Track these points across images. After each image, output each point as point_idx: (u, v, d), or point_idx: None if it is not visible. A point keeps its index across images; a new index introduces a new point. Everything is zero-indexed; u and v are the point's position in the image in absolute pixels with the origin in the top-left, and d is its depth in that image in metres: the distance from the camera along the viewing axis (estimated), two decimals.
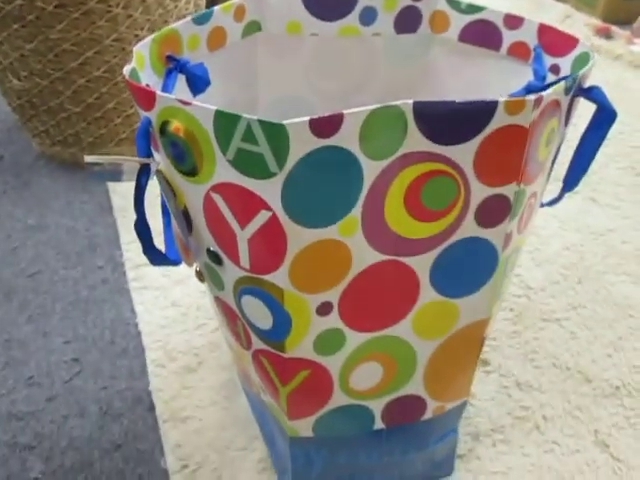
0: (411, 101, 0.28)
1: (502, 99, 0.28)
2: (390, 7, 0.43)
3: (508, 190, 0.32)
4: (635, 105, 1.00)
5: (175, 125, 0.29)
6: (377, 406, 0.39)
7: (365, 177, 0.29)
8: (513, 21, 0.42)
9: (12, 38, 0.70)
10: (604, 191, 0.82)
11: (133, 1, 0.70)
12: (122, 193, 0.78)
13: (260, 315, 0.33)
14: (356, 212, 0.29)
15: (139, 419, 0.52)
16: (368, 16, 0.43)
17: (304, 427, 0.39)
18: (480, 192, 0.31)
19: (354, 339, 0.35)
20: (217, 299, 0.37)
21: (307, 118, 0.25)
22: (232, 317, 0.36)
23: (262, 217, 0.29)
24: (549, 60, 0.41)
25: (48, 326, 0.60)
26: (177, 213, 0.33)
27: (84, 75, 0.73)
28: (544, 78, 0.40)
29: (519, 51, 0.43)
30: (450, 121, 0.28)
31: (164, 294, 0.63)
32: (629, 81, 1.07)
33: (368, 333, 0.35)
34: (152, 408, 0.53)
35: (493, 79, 0.45)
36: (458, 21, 0.43)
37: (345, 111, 0.26)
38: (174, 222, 0.37)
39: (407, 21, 0.44)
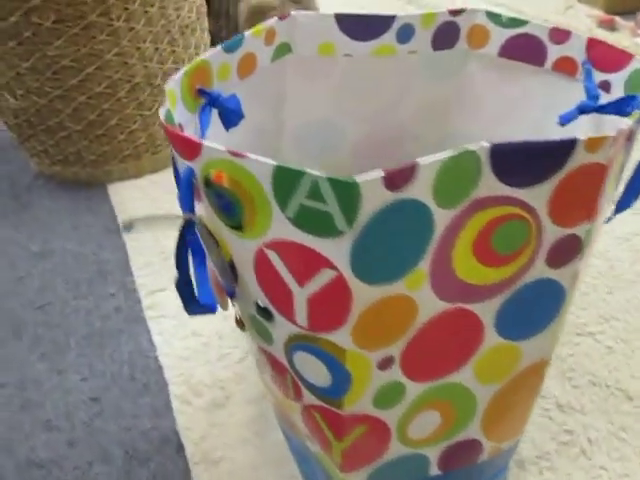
0: (488, 144, 0.25)
1: (583, 137, 0.26)
2: (428, 23, 0.40)
3: (580, 229, 0.30)
4: None
5: (218, 174, 0.26)
6: (434, 453, 0.37)
7: (436, 227, 0.26)
8: (559, 35, 0.39)
9: (8, 56, 0.66)
10: None
11: (135, 13, 0.66)
12: (131, 213, 0.75)
13: (316, 372, 0.31)
14: (424, 264, 0.27)
15: (168, 461, 0.49)
16: (405, 34, 0.40)
17: (356, 478, 0.37)
18: (553, 233, 0.29)
19: (414, 390, 0.32)
20: (262, 350, 0.34)
21: (380, 172, 0.23)
22: (279, 370, 0.34)
23: (325, 276, 0.26)
24: (598, 76, 0.39)
25: (63, 363, 0.57)
26: (220, 264, 0.30)
27: (84, 92, 0.70)
28: (597, 97, 0.37)
29: (565, 66, 0.40)
30: (527, 162, 0.26)
31: (183, 322, 0.61)
32: None
33: (428, 382, 0.33)
34: (181, 449, 0.50)
35: (535, 95, 0.43)
36: (498, 35, 0.41)
37: (419, 160, 0.24)
38: (210, 266, 0.34)
39: (445, 37, 0.41)
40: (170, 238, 0.71)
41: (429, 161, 0.24)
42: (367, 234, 0.24)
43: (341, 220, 0.24)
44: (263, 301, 0.30)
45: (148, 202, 0.77)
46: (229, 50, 0.34)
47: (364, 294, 0.26)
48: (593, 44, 0.38)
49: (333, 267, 0.25)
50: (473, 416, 0.36)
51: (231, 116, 0.33)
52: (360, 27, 0.39)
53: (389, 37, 0.40)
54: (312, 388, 0.32)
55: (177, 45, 0.73)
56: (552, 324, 0.33)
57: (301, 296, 0.28)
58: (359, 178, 0.22)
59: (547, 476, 0.48)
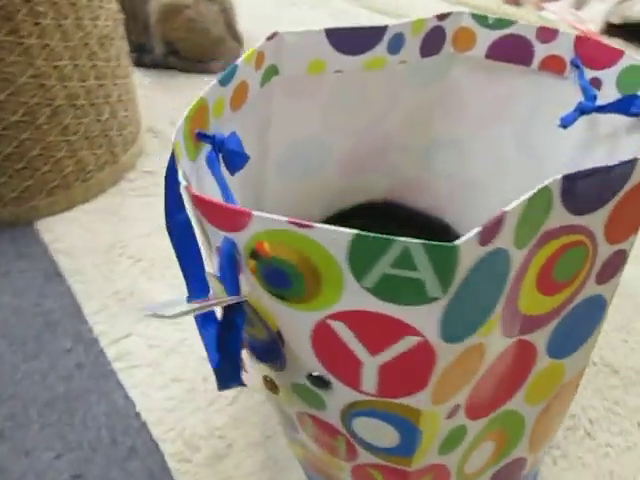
0: (560, 176, 0.23)
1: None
2: (418, 30, 0.38)
3: (628, 243, 0.29)
4: None
5: (260, 244, 0.22)
6: (485, 479, 0.36)
7: (512, 269, 0.24)
8: (547, 34, 0.38)
9: None
10: None
11: (48, 28, 0.58)
12: (69, 251, 0.67)
13: (381, 435, 0.28)
14: (500, 308, 0.25)
15: None
16: (396, 44, 0.37)
17: None
18: (606, 252, 0.28)
19: (474, 428, 0.31)
20: (304, 414, 0.31)
21: (477, 230, 0.20)
22: (329, 432, 0.30)
23: (405, 343, 0.23)
24: (588, 73, 0.38)
25: (28, 441, 0.50)
26: (267, 338, 0.26)
27: None
28: (594, 97, 0.37)
29: (553, 65, 0.39)
30: (596, 188, 0.25)
31: (159, 370, 0.55)
32: None
33: (487, 417, 0.31)
34: None
35: (522, 95, 0.42)
36: (485, 37, 0.39)
37: (506, 209, 0.21)
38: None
39: (432, 43, 0.39)
40: (124, 276, 0.64)
41: (513, 207, 0.22)
42: (459, 295, 0.22)
43: (435, 286, 0.21)
44: (319, 371, 0.26)
45: (85, 236, 0.69)
46: (223, 83, 0.30)
47: (448, 354, 0.24)
48: (582, 41, 0.38)
49: (418, 334, 0.23)
50: (522, 437, 0.35)
51: (236, 160, 0.29)
52: (351, 41, 0.36)
53: (380, 49, 0.37)
54: (374, 449, 0.29)
55: (97, 59, 0.65)
56: (594, 335, 0.33)
57: (372, 365, 0.25)
58: (460, 242, 0.20)
59: (561, 465, 0.49)
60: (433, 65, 0.41)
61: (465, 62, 0.41)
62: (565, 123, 0.37)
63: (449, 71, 0.42)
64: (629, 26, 1.05)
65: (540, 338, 0.30)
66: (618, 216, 0.27)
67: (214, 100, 0.29)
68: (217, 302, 0.22)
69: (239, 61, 0.30)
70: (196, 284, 0.32)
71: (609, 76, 0.37)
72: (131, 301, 0.62)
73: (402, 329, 0.23)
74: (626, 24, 1.05)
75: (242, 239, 0.22)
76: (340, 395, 0.27)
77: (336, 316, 0.23)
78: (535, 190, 0.23)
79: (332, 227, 0.20)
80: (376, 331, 0.23)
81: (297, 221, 0.21)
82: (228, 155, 0.29)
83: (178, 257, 0.31)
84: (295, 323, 0.25)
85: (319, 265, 0.22)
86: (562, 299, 0.29)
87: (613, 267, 0.30)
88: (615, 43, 1.04)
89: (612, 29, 1.07)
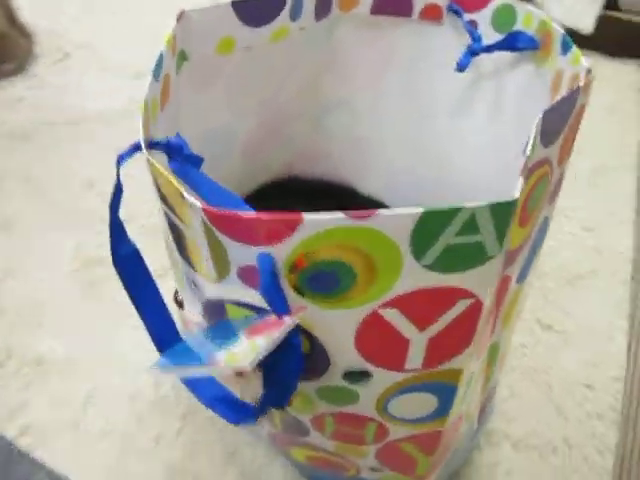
0: (540, 115, 0.24)
1: (582, 84, 0.27)
2: None
3: (568, 163, 0.32)
4: None
5: (300, 258, 0.19)
6: (476, 413, 0.38)
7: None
8: None
9: None
10: None
11: None
12: None
13: (418, 407, 0.28)
14: None
15: None
16: (297, 10, 0.35)
17: None
18: (557, 174, 0.31)
19: (477, 368, 0.32)
20: (323, 415, 0.29)
21: (519, 180, 0.20)
22: (359, 424, 0.29)
23: (457, 308, 0.23)
24: (465, 16, 0.40)
25: None
26: (309, 346, 0.23)
27: None
28: (480, 38, 0.39)
29: (431, 13, 0.41)
30: (558, 119, 0.26)
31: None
32: None
33: (483, 355, 0.33)
34: None
35: (404, 45, 0.43)
36: None
37: (526, 153, 0.22)
38: None
39: (323, 5, 0.37)
40: None
41: (529, 149, 0.22)
42: (506, 249, 0.22)
43: (494, 245, 0.21)
44: (360, 365, 0.25)
45: None
46: (155, 77, 0.25)
47: (489, 304, 0.24)
48: None
49: (471, 295, 0.22)
50: (497, 363, 0.37)
51: (195, 164, 0.25)
52: (258, 10, 0.32)
53: (284, 17, 0.34)
54: (407, 422, 0.29)
55: None
56: (539, 254, 0.36)
57: (420, 341, 0.24)
58: (515, 195, 0.20)
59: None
60: (324, 28, 0.39)
61: (351, 21, 0.40)
62: (461, 66, 0.39)
63: (336, 32, 0.40)
64: None
65: (516, 269, 0.32)
66: (566, 140, 0.29)
67: (151, 101, 0.24)
68: (284, 329, 0.19)
69: (163, 49, 0.25)
70: (162, 328, 0.27)
71: (484, 17, 0.40)
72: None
73: (455, 295, 0.22)
74: None
75: (282, 252, 0.19)
76: (379, 383, 0.26)
77: (388, 304, 0.22)
78: (533, 133, 0.23)
79: (396, 210, 0.19)
80: (429, 306, 0.22)
81: (358, 213, 0.18)
82: (186, 161, 0.24)
83: (133, 298, 0.26)
84: (339, 323, 0.22)
85: (374, 254, 0.20)
86: (531, 227, 0.31)
87: (558, 187, 0.33)
88: None
89: None
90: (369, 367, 0.25)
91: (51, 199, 0.66)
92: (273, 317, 0.20)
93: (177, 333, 0.30)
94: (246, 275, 0.21)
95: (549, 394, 0.54)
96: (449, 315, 0.23)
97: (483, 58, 0.40)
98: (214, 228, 0.19)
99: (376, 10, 0.40)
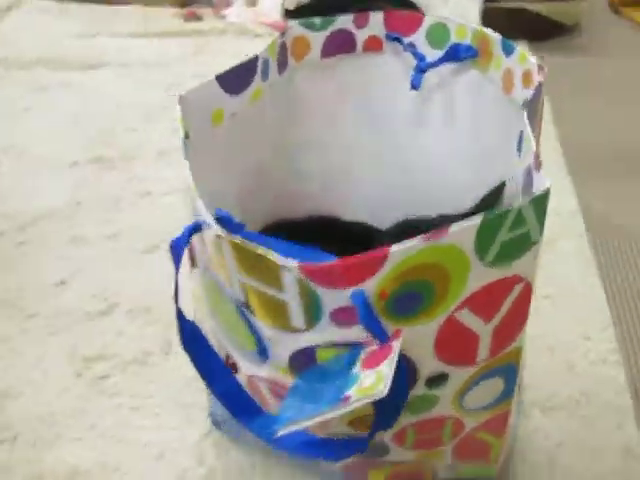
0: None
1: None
2: (273, 51, 0.38)
3: None
4: None
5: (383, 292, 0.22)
6: None
7: None
8: (361, 20, 0.43)
9: None
10: None
11: None
12: None
13: (490, 392, 0.30)
14: None
15: None
16: (265, 70, 0.37)
17: None
18: None
19: None
20: (405, 427, 0.31)
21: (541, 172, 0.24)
22: (437, 425, 0.31)
23: (513, 294, 0.26)
24: (404, 40, 0.44)
25: None
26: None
27: None
28: (424, 57, 0.43)
29: (373, 45, 0.45)
30: None
31: None
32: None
33: None
34: None
35: (355, 78, 0.46)
36: (316, 40, 0.42)
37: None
38: None
39: (282, 59, 0.40)
40: None
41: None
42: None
43: (537, 231, 0.24)
44: (440, 369, 0.27)
45: None
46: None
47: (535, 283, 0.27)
48: (388, 16, 0.44)
49: (522, 279, 0.25)
50: None
51: (241, 229, 0.26)
52: (236, 79, 0.34)
53: (257, 80, 0.36)
54: (480, 411, 0.31)
55: None
56: None
57: (486, 333, 0.26)
58: (548, 184, 0.23)
59: None
60: (285, 80, 0.42)
61: (305, 68, 0.43)
62: (415, 84, 0.43)
63: (294, 80, 0.43)
64: (303, 9, 1.20)
65: None
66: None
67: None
68: (396, 352, 0.21)
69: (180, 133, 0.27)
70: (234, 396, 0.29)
71: (419, 38, 0.44)
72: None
73: (512, 283, 0.25)
74: (301, 7, 1.20)
75: (372, 285, 0.21)
76: (455, 381, 0.28)
77: (460, 307, 0.24)
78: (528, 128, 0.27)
79: (461, 223, 0.21)
80: (492, 298, 0.25)
81: (431, 235, 0.21)
82: (236, 230, 0.26)
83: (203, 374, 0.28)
84: (423, 336, 0.25)
85: (448, 266, 0.22)
86: None
87: None
88: None
89: (291, 13, 1.21)
90: (446, 369, 0.27)
91: (28, 311, 0.64)
92: (375, 346, 0.22)
93: (249, 397, 0.31)
94: (339, 316, 0.23)
95: (553, 355, 0.58)
96: (508, 302, 0.26)
97: (428, 73, 0.45)
98: (309, 281, 0.21)
99: (325, 54, 0.43)
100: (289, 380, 0.28)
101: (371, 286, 0.22)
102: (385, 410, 0.24)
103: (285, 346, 0.25)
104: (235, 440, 0.50)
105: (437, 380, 0.28)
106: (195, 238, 0.28)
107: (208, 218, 0.23)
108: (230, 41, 1.16)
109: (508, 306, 0.26)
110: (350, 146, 0.50)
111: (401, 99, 0.47)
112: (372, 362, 0.21)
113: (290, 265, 0.21)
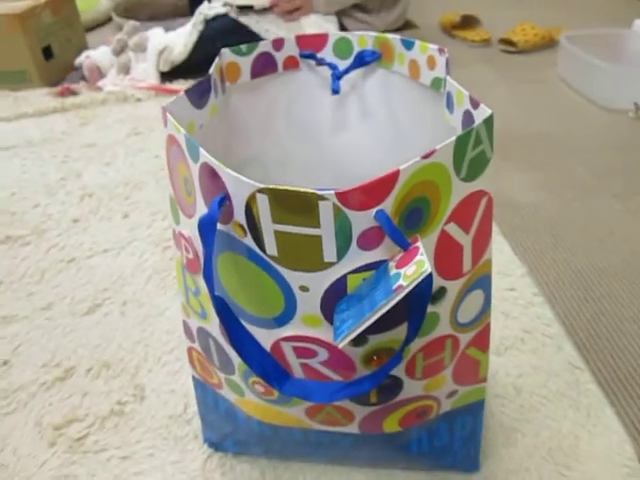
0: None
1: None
2: (217, 71, 0.43)
3: None
4: None
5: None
6: None
7: None
8: (278, 43, 0.49)
9: None
10: None
11: None
12: None
13: (474, 305, 0.36)
14: None
15: None
16: (216, 88, 0.41)
17: None
18: None
19: None
20: (412, 359, 0.35)
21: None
22: (439, 348, 0.36)
23: (482, 205, 0.32)
24: (317, 56, 0.51)
25: None
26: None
27: None
28: (336, 66, 0.50)
29: (291, 63, 0.51)
30: None
31: None
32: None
33: None
34: None
35: (280, 94, 0.52)
36: (245, 64, 0.47)
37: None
38: None
39: (221, 81, 0.45)
40: None
41: None
42: None
43: (489, 149, 0.30)
44: (439, 284, 0.32)
45: None
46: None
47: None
48: (300, 38, 0.50)
49: (486, 193, 0.32)
50: None
51: None
52: (199, 94, 0.38)
53: (212, 96, 0.40)
54: (468, 326, 0.37)
55: None
56: None
57: (468, 243, 0.32)
58: (489, 110, 0.30)
59: None
60: (224, 100, 0.46)
61: (238, 89, 0.48)
62: (336, 89, 0.50)
63: (230, 101, 0.48)
64: (177, 69, 1.25)
65: None
66: None
67: None
68: (422, 249, 0.25)
69: None
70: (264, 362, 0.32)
71: (328, 52, 0.51)
72: None
73: (480, 196, 0.31)
74: (175, 68, 1.26)
75: (390, 204, 0.26)
76: (450, 295, 0.34)
77: (448, 220, 0.30)
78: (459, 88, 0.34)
79: (444, 143, 0.27)
80: (468, 211, 0.31)
81: (427, 153, 0.26)
82: None
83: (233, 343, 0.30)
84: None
85: (438, 181, 0.28)
86: None
87: None
88: (178, 84, 1.23)
89: (166, 75, 1.26)
90: (444, 283, 0.33)
91: None
92: (400, 254, 0.27)
93: (277, 363, 0.34)
94: (365, 240, 0.27)
95: (493, 310, 0.66)
96: (479, 214, 0.32)
97: (342, 80, 0.52)
98: (343, 207, 0.25)
99: (254, 75, 0.49)
100: (318, 331, 0.32)
101: (389, 204, 0.27)
102: (415, 317, 0.29)
103: (318, 286, 0.29)
104: (237, 454, 0.51)
105: (438, 296, 0.33)
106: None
107: (241, 178, 0.27)
108: (113, 108, 1.18)
109: (480, 217, 0.32)
110: (284, 160, 0.55)
111: (321, 107, 0.53)
112: (405, 261, 0.26)
113: (327, 194, 0.25)
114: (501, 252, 0.74)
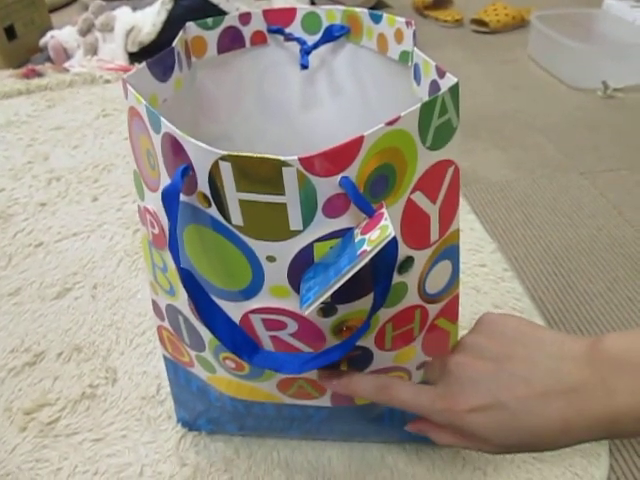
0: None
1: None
2: (182, 45, 0.42)
3: None
4: None
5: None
6: None
7: None
8: (245, 18, 0.48)
9: None
10: None
11: None
12: None
13: (442, 275, 0.36)
14: None
15: None
16: (179, 62, 0.40)
17: None
18: None
19: None
20: (381, 329, 0.35)
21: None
22: (408, 318, 0.36)
23: (448, 175, 0.32)
24: (285, 31, 0.51)
25: None
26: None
27: None
28: (305, 41, 0.50)
29: (258, 39, 0.50)
30: None
31: None
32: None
33: None
34: None
35: (249, 69, 0.51)
36: (212, 38, 0.46)
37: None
38: None
39: (187, 55, 0.44)
40: None
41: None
42: None
43: (455, 118, 0.30)
44: (406, 253, 0.32)
45: None
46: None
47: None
48: (266, 13, 0.50)
49: (452, 163, 0.32)
50: None
51: None
52: (162, 67, 0.37)
53: (176, 69, 0.39)
54: (437, 297, 0.37)
55: None
56: None
57: (435, 213, 0.32)
58: (455, 78, 0.30)
59: None
60: (190, 75, 0.45)
61: (205, 65, 0.47)
62: (305, 64, 0.50)
63: (197, 76, 0.47)
64: (145, 50, 1.23)
65: None
66: None
67: None
68: (387, 215, 0.25)
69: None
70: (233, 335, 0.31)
71: (296, 27, 0.51)
72: None
73: (446, 166, 0.31)
74: (142, 49, 1.23)
75: (354, 170, 0.26)
76: (418, 265, 0.34)
77: (414, 189, 0.30)
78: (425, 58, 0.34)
79: (409, 110, 0.27)
80: (435, 180, 0.31)
81: (391, 119, 0.26)
82: None
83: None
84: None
85: (403, 149, 0.28)
86: None
87: None
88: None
89: (135, 56, 1.23)
90: (411, 252, 0.33)
91: None
92: (366, 221, 0.27)
93: (247, 335, 0.34)
94: (330, 207, 0.27)
95: (462, 286, 0.67)
96: (445, 183, 0.32)
97: (310, 55, 0.51)
98: (307, 173, 0.25)
99: (221, 50, 0.48)
100: (286, 302, 0.32)
101: (354, 171, 0.26)
102: (380, 283, 0.29)
103: (285, 255, 0.29)
104: (211, 433, 0.51)
105: (405, 265, 0.33)
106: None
107: (203, 146, 0.26)
108: (81, 90, 1.15)
109: (446, 187, 0.32)
110: (254, 137, 0.54)
111: (290, 83, 0.53)
112: (369, 227, 0.26)
113: (291, 160, 0.25)
114: (472, 229, 0.75)
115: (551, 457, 0.48)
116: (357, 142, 0.26)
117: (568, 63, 1.14)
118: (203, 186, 0.28)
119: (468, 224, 0.76)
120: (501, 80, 1.20)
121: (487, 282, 0.66)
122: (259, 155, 0.25)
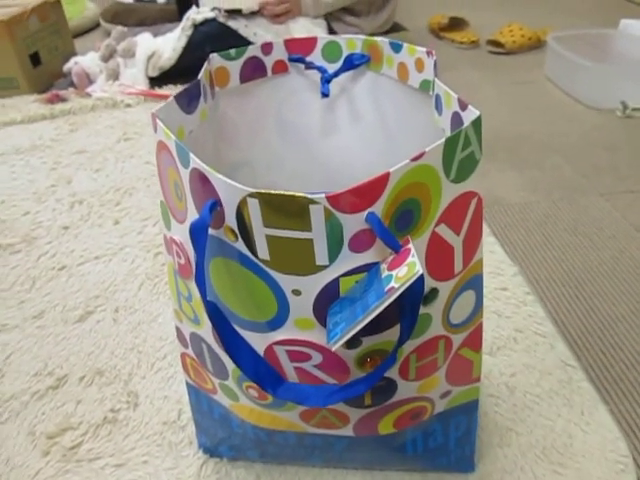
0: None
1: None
2: (207, 77, 0.43)
3: None
4: None
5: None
6: None
7: None
8: (266, 47, 0.49)
9: None
10: None
11: None
12: None
13: (466, 305, 0.36)
14: None
15: None
16: (205, 93, 0.41)
17: None
18: None
19: None
20: (405, 360, 0.35)
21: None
22: (432, 348, 0.36)
23: (472, 207, 0.32)
24: (306, 59, 0.52)
25: None
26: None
27: None
28: (326, 70, 0.51)
29: (280, 68, 0.51)
30: None
31: None
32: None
33: None
34: None
35: (270, 98, 0.52)
36: (234, 68, 0.47)
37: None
38: None
39: (211, 86, 0.45)
40: None
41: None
42: None
43: (478, 151, 0.31)
44: (431, 284, 0.32)
45: None
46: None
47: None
48: (289, 43, 0.51)
49: (475, 194, 0.32)
50: None
51: None
52: (188, 99, 0.38)
53: (201, 101, 0.40)
54: (462, 326, 0.37)
55: None
56: None
57: (459, 245, 0.32)
58: (478, 111, 0.30)
59: None
60: (214, 105, 0.46)
61: (228, 94, 0.48)
62: (325, 92, 0.50)
63: (220, 106, 0.48)
64: (165, 74, 1.25)
65: None
66: None
67: None
68: (413, 251, 0.26)
69: None
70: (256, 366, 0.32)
71: (316, 56, 0.52)
72: None
73: (469, 198, 0.32)
74: (163, 73, 1.25)
75: (380, 206, 0.26)
76: (442, 295, 0.34)
77: (438, 221, 0.30)
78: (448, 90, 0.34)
79: (432, 145, 0.27)
80: (458, 212, 0.31)
81: (416, 155, 0.27)
82: None
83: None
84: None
85: (428, 183, 0.28)
86: None
87: None
88: (167, 89, 1.23)
89: (155, 80, 1.26)
90: (436, 284, 0.33)
91: None
92: (392, 256, 0.27)
93: (271, 367, 0.34)
94: (356, 242, 0.27)
95: (486, 310, 0.67)
96: (469, 214, 0.32)
97: (331, 83, 0.52)
98: (334, 210, 0.25)
99: (243, 80, 0.49)
100: (311, 334, 0.32)
101: (380, 207, 0.27)
102: (407, 317, 0.29)
103: (311, 289, 0.29)
104: (233, 459, 0.50)
105: (430, 297, 0.33)
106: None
107: (232, 183, 0.27)
108: (103, 114, 1.17)
109: (470, 218, 0.32)
110: (275, 164, 0.55)
111: (311, 110, 0.54)
112: (396, 263, 0.26)
113: (318, 197, 0.25)
114: (492, 252, 0.75)
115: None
116: (383, 178, 0.26)
117: (585, 83, 1.14)
118: (230, 221, 0.28)
119: (488, 247, 0.75)
120: (517, 101, 1.21)
121: (509, 306, 0.66)
122: (286, 192, 0.26)
